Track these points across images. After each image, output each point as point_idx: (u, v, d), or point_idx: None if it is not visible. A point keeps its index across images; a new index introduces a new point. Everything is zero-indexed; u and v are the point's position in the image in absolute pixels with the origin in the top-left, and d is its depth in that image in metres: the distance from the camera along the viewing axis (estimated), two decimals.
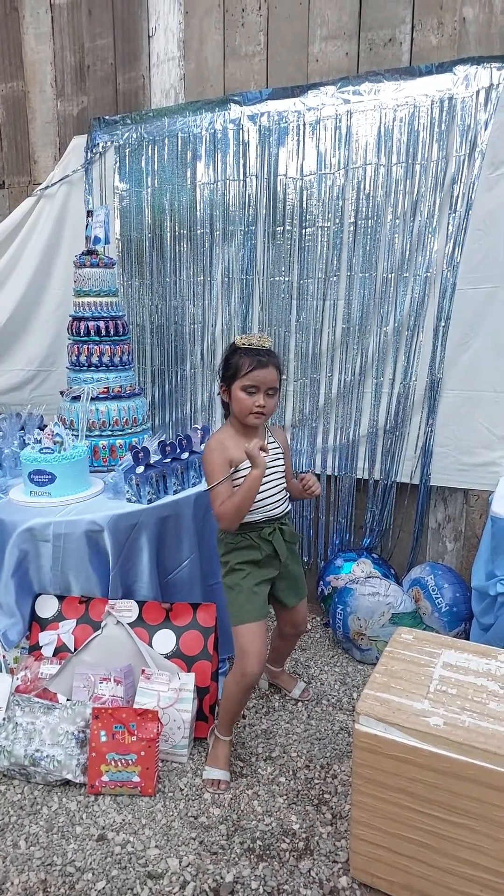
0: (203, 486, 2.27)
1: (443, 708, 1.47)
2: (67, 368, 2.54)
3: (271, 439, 1.89)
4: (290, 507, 1.95)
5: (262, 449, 1.71)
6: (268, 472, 1.78)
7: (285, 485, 1.92)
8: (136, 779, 1.79)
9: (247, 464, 1.74)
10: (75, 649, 2.03)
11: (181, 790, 1.83)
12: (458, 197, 2.31)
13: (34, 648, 2.09)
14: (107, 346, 2.45)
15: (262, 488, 1.77)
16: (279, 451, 1.90)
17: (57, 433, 2.22)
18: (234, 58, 2.68)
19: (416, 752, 1.41)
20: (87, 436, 2.38)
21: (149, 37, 2.84)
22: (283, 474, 1.90)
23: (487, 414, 2.38)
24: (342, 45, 2.47)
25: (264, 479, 1.76)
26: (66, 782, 1.83)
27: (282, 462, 1.90)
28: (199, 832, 1.69)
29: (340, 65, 2.49)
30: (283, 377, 1.80)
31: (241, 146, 2.64)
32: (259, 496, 1.78)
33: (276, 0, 2.55)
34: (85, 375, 2.46)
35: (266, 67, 2.62)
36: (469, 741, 1.37)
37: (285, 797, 1.80)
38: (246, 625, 1.82)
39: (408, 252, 2.42)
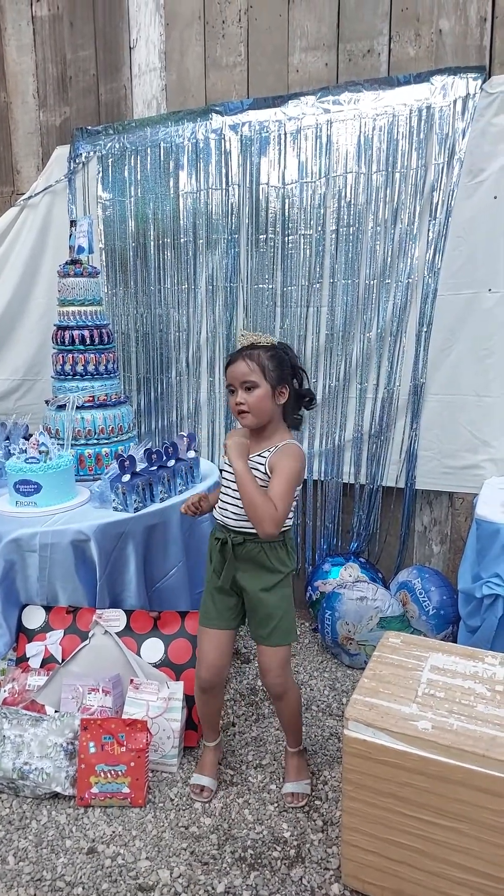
0: (190, 494, 2.27)
1: (431, 711, 1.47)
2: (52, 378, 2.53)
3: (265, 453, 1.67)
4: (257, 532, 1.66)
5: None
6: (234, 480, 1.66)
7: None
8: (126, 790, 1.78)
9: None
10: (63, 660, 2.02)
11: (171, 800, 1.82)
12: (437, 204, 2.34)
13: (21, 660, 2.07)
14: (91, 355, 2.45)
15: (226, 486, 1.72)
16: (260, 467, 1.67)
17: (42, 443, 2.21)
18: (215, 68, 2.70)
19: (406, 756, 1.41)
20: (72, 445, 2.38)
21: (130, 48, 2.86)
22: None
23: (470, 418, 2.40)
24: (322, 55, 2.50)
25: (227, 484, 1.71)
26: (56, 795, 1.81)
27: (259, 477, 1.65)
28: (189, 842, 1.68)
29: (320, 75, 2.52)
30: (271, 371, 1.64)
31: (223, 155, 2.66)
32: (224, 494, 1.74)
33: (256, 12, 2.58)
34: (70, 384, 2.46)
35: (247, 78, 2.65)
36: (457, 744, 1.37)
37: (276, 805, 1.80)
38: (202, 627, 1.81)
39: (389, 259, 2.45)
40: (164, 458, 2.28)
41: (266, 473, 1.65)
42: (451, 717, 1.45)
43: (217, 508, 1.77)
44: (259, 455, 1.68)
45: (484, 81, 2.24)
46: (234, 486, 1.66)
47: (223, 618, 1.78)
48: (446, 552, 2.61)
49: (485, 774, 1.34)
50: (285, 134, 2.54)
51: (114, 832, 1.71)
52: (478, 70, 2.25)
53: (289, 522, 1.71)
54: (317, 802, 1.81)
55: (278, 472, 1.63)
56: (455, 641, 2.30)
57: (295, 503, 1.72)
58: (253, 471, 1.64)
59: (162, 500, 2.21)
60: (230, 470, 1.67)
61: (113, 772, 1.78)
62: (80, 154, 2.97)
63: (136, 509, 2.10)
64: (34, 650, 2.06)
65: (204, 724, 1.89)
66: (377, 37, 2.41)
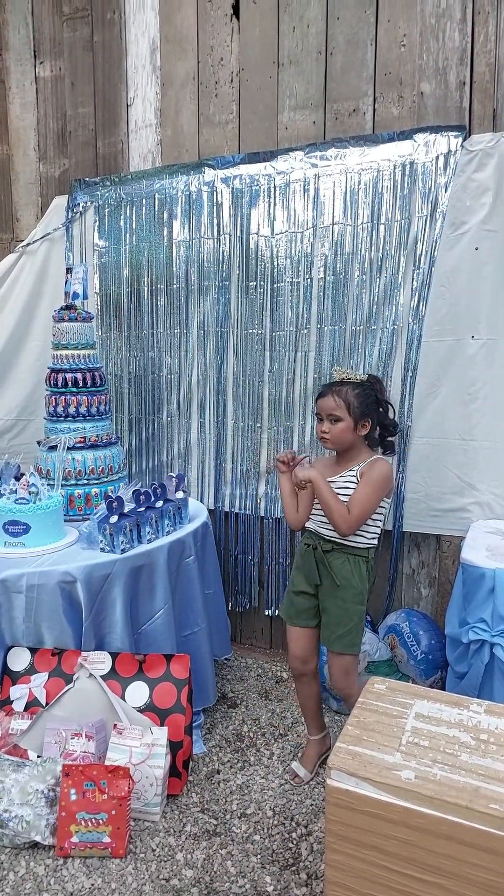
0: (177, 535, 2.29)
1: (415, 761, 1.45)
2: (45, 419, 2.57)
3: (354, 468, 1.94)
4: (353, 543, 1.96)
5: (299, 482, 1.91)
6: (335, 491, 1.93)
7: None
8: (107, 839, 1.74)
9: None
10: (47, 703, 2.00)
11: (153, 850, 1.78)
12: (421, 255, 2.43)
13: (5, 703, 2.05)
14: (84, 397, 2.50)
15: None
16: (352, 479, 1.93)
17: (32, 483, 2.23)
18: (208, 125, 2.82)
19: (389, 807, 1.39)
20: (63, 485, 2.40)
21: (127, 106, 2.99)
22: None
23: (456, 461, 2.44)
24: (309, 114, 2.62)
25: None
26: (35, 844, 1.78)
27: (349, 490, 1.93)
28: None
29: (308, 132, 2.63)
30: (356, 407, 1.92)
31: (216, 207, 2.75)
32: (316, 505, 1.99)
33: (247, 74, 2.71)
34: (62, 425, 2.49)
35: (238, 134, 2.77)
36: (440, 795, 1.35)
37: (259, 856, 1.76)
38: (287, 624, 2.10)
39: (375, 306, 2.52)
40: (153, 498, 2.30)
41: (357, 481, 1.93)
42: (435, 767, 1.43)
43: (311, 517, 2.04)
44: (348, 471, 1.95)
45: (465, 139, 2.34)
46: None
47: (301, 617, 2.05)
48: (434, 595, 2.61)
49: (468, 827, 1.32)
50: (275, 187, 2.64)
51: (93, 885, 1.67)
52: (458, 129, 2.35)
53: (372, 538, 1.97)
54: (301, 854, 1.77)
55: (362, 482, 1.91)
56: (444, 687, 2.28)
57: (382, 515, 1.98)
58: (348, 485, 1.93)
59: (149, 540, 2.22)
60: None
61: (94, 820, 1.75)
62: (78, 204, 3.08)
63: (124, 550, 2.11)
64: (18, 693, 2.04)
65: (304, 715, 2.16)
66: (362, 97, 2.53)
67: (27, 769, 1.81)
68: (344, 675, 2.00)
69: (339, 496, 1.92)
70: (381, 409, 1.99)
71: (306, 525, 2.07)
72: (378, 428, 2.02)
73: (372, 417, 1.96)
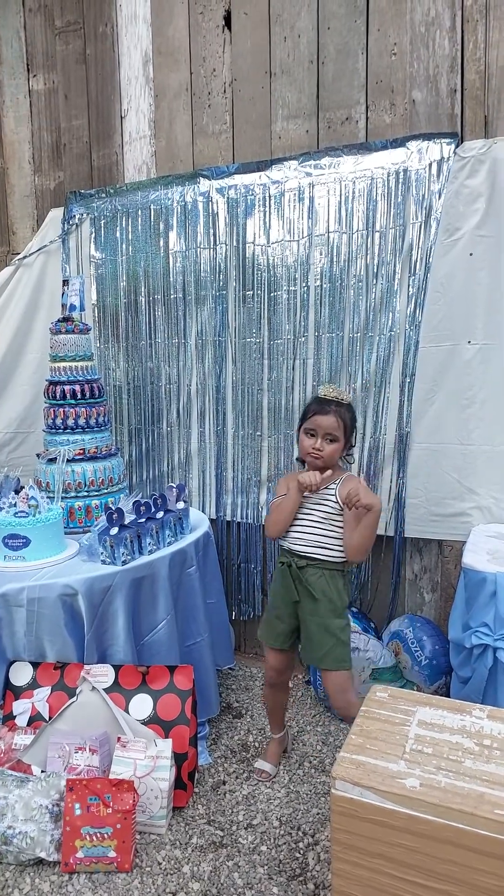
0: (178, 545, 2.29)
1: (419, 768, 1.45)
2: (44, 431, 2.57)
3: (332, 486, 1.97)
4: (329, 558, 1.97)
5: (310, 485, 1.89)
6: (310, 507, 1.98)
7: (325, 530, 1.97)
8: (112, 853, 1.74)
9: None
10: (50, 718, 1.99)
11: (159, 864, 1.77)
12: (416, 261, 2.43)
13: (8, 718, 2.05)
14: (82, 409, 2.50)
15: (298, 515, 1.98)
16: (331, 498, 1.97)
17: (32, 496, 2.23)
18: (202, 136, 2.84)
19: (394, 815, 1.39)
20: (63, 497, 2.40)
21: (121, 117, 3.01)
22: (326, 518, 1.97)
23: (455, 466, 2.44)
24: (302, 123, 2.64)
25: (302, 511, 1.99)
26: (40, 861, 1.77)
27: (329, 507, 1.96)
28: None
29: (301, 141, 2.65)
30: (349, 429, 1.98)
31: (211, 217, 2.77)
32: (294, 523, 1.99)
33: (239, 84, 2.73)
34: (61, 438, 2.50)
35: (232, 144, 2.78)
36: (445, 802, 1.35)
37: (266, 867, 1.75)
38: (265, 644, 2.13)
39: (372, 313, 2.52)
40: (153, 509, 2.29)
41: (338, 502, 1.95)
42: (439, 774, 1.43)
43: (286, 535, 2.02)
44: (327, 489, 1.97)
45: (457, 146, 2.36)
46: (303, 515, 1.98)
47: (279, 639, 2.06)
48: (437, 600, 2.60)
49: (474, 833, 1.32)
50: (269, 196, 2.66)
51: None
52: (451, 136, 2.37)
53: (344, 551, 1.97)
54: (308, 864, 1.76)
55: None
56: (448, 692, 2.28)
57: None
58: (326, 501, 1.96)
59: (150, 552, 2.22)
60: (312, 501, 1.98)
61: (99, 834, 1.74)
62: (74, 216, 3.09)
63: (125, 562, 2.11)
64: (21, 708, 2.04)
65: (270, 717, 2.22)
66: (354, 106, 2.54)
67: (31, 784, 1.80)
68: (340, 692, 1.97)
69: (317, 511, 1.97)
70: (354, 431, 2.05)
71: (280, 543, 2.07)
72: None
73: (350, 439, 2.02)
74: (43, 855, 1.73)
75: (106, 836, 1.74)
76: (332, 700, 2.02)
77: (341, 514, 1.96)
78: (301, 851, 1.80)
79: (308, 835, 1.86)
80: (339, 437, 1.95)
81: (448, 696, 2.23)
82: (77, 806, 1.75)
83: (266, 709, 2.25)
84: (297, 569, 1.98)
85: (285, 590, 2.01)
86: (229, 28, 2.72)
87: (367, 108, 2.52)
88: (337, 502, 1.95)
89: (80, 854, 1.73)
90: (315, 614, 1.96)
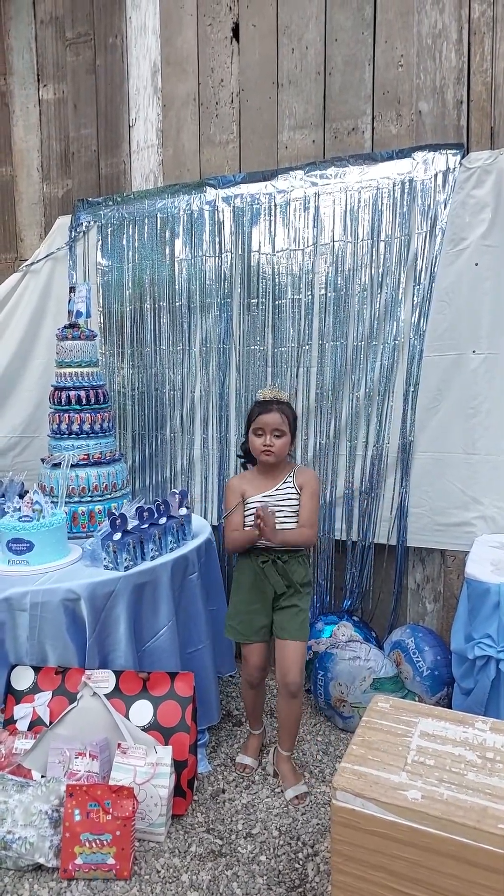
0: (181, 552, 2.29)
1: (421, 780, 1.44)
2: (49, 436, 2.58)
3: (289, 479, 2.13)
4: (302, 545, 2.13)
5: (263, 518, 1.99)
6: (279, 504, 2.09)
7: (295, 522, 2.11)
8: (111, 861, 1.73)
9: (256, 497, 2.10)
10: (51, 722, 1.99)
11: (158, 872, 1.76)
12: (421, 271, 2.44)
13: (9, 722, 2.04)
14: (87, 415, 2.51)
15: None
16: (291, 490, 2.11)
17: (36, 501, 2.24)
18: (209, 145, 2.86)
19: (395, 827, 1.38)
20: (66, 502, 2.40)
21: (129, 127, 3.04)
22: (294, 512, 2.11)
23: (459, 475, 2.44)
24: (309, 133, 2.66)
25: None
26: (39, 867, 1.76)
27: (292, 500, 2.11)
28: None
29: (308, 151, 2.67)
30: (292, 423, 2.11)
31: (217, 225, 2.79)
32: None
33: (247, 94, 2.76)
34: (65, 443, 2.50)
35: (239, 153, 2.80)
36: (448, 815, 1.34)
37: (265, 877, 1.74)
38: (243, 644, 2.18)
39: (376, 322, 2.53)
40: (156, 515, 2.30)
41: (296, 490, 2.11)
42: (442, 787, 1.42)
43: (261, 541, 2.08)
44: (284, 483, 2.12)
45: (463, 157, 2.37)
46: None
47: (258, 633, 2.15)
48: (440, 610, 2.59)
49: (476, 848, 1.30)
50: (275, 205, 2.67)
51: None
52: (456, 147, 2.38)
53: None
54: (308, 875, 1.75)
55: (307, 493, 2.11)
56: (450, 704, 2.26)
57: None
58: (288, 498, 2.10)
59: (153, 557, 2.22)
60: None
61: (98, 841, 1.73)
62: (81, 223, 3.11)
63: (127, 567, 2.11)
64: (22, 712, 2.03)
65: (249, 715, 2.29)
66: (361, 116, 2.56)
67: (31, 790, 1.79)
68: (297, 663, 2.08)
69: (285, 508, 2.09)
70: (296, 426, 2.19)
71: (256, 544, 2.13)
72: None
73: (295, 433, 2.16)
74: (42, 861, 1.73)
75: (105, 842, 1.73)
76: (290, 675, 2.06)
77: None
78: (300, 862, 1.79)
79: (308, 845, 1.85)
80: (286, 431, 2.08)
81: (450, 707, 2.23)
82: (77, 812, 1.74)
83: (245, 708, 2.32)
84: (282, 564, 2.09)
85: (266, 584, 2.10)
86: (237, 39, 2.75)
87: (373, 118, 2.54)
88: (298, 494, 2.11)
89: (79, 860, 1.72)
90: (295, 596, 2.10)
